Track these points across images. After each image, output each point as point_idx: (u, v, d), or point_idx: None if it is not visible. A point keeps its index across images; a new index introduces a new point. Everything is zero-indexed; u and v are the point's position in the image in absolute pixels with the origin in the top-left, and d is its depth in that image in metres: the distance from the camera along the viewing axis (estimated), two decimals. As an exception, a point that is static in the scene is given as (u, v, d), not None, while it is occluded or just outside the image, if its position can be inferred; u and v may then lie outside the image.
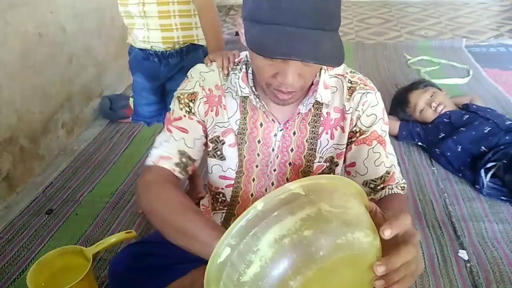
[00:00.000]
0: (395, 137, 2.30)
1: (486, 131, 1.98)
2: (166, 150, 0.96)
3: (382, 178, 0.97)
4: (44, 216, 1.86)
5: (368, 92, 0.97)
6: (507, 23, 4.26)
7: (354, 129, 0.98)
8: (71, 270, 1.29)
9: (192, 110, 0.99)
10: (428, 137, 2.17)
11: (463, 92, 2.74)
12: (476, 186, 1.87)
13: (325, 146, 0.99)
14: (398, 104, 2.39)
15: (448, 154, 2.02)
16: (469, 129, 2.02)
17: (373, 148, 0.97)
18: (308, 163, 1.00)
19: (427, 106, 2.24)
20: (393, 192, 0.97)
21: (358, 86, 0.98)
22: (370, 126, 0.97)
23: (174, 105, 1.01)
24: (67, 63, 2.40)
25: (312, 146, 0.99)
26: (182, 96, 1.00)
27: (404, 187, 0.99)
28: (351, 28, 4.36)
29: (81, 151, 2.35)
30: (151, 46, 1.58)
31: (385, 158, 0.98)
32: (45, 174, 2.17)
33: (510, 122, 2.02)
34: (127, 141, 2.42)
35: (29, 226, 1.80)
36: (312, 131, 0.98)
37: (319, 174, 1.00)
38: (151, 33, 1.55)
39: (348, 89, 0.98)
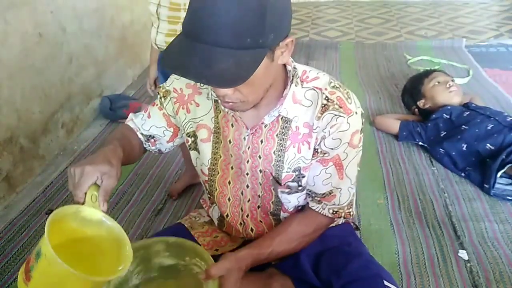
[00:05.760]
0: (395, 137, 2.31)
1: (489, 127, 1.99)
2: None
3: (324, 195, 1.01)
4: (44, 216, 1.85)
5: (340, 116, 0.92)
6: (507, 23, 4.26)
7: (316, 148, 0.97)
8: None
9: (163, 105, 1.08)
10: (429, 137, 2.17)
11: (463, 92, 2.74)
12: (486, 186, 1.85)
13: (292, 159, 0.98)
14: (419, 75, 2.48)
15: (453, 153, 2.02)
16: (472, 127, 2.02)
17: (326, 168, 0.99)
18: (277, 172, 1.00)
19: (444, 83, 2.30)
20: (320, 212, 1.03)
21: (332, 106, 0.93)
22: (333, 149, 0.96)
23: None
24: (67, 63, 2.40)
25: (279, 158, 0.99)
26: (161, 89, 1.08)
27: (335, 211, 1.02)
28: (351, 28, 4.36)
29: (81, 151, 2.35)
30: (158, 47, 1.68)
31: (335, 179, 0.99)
32: (45, 174, 2.17)
33: (511, 118, 2.03)
34: (127, 141, 2.42)
35: (29, 226, 1.80)
36: (280, 143, 0.98)
37: (288, 182, 1.01)
38: (159, 36, 1.65)
39: (322, 107, 0.93)
